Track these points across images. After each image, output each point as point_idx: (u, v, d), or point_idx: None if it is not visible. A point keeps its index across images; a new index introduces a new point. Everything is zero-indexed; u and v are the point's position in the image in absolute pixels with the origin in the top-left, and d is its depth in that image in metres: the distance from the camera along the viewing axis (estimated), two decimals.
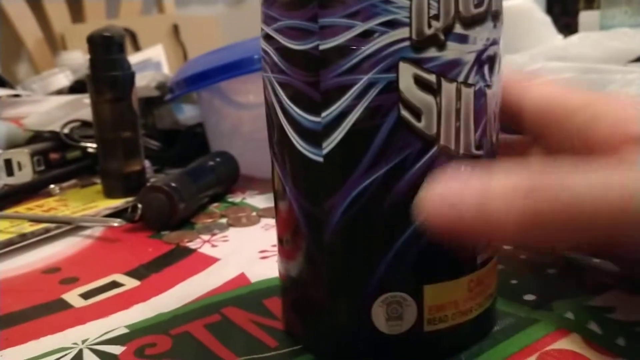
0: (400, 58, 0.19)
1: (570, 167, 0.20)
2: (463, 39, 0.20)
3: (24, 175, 0.50)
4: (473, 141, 0.21)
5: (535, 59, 0.52)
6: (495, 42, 0.21)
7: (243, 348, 0.24)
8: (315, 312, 0.23)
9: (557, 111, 0.24)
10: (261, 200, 0.45)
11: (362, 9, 0.19)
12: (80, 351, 0.25)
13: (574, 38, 0.59)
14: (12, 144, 0.59)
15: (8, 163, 0.50)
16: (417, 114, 0.20)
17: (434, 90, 0.20)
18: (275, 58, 0.21)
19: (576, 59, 0.53)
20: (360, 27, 0.19)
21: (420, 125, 0.20)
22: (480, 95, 0.21)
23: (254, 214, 0.42)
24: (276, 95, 0.22)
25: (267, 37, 0.22)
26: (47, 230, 0.40)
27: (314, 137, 0.21)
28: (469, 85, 0.20)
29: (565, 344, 0.23)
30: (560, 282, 0.27)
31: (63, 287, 0.32)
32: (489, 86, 0.21)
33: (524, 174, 0.20)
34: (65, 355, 0.25)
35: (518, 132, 0.26)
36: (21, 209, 0.46)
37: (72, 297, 0.31)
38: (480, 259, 0.23)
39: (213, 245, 0.36)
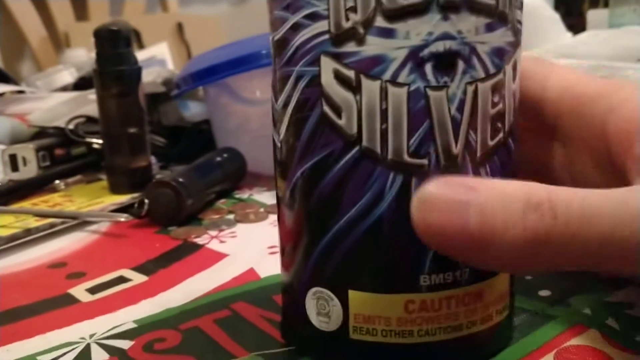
0: (321, 52, 0.19)
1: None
2: (388, 33, 0.18)
3: (29, 170, 0.50)
4: (406, 147, 0.19)
5: (543, 57, 0.51)
6: (449, 37, 0.18)
7: (253, 343, 0.24)
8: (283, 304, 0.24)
9: (576, 98, 0.24)
10: (269, 197, 0.44)
11: (292, 1, 0.19)
12: (88, 346, 0.25)
13: (583, 36, 0.58)
14: (16, 140, 0.58)
15: (13, 158, 0.50)
16: (337, 111, 0.19)
17: (353, 87, 0.19)
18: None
19: (585, 57, 0.52)
20: (291, 20, 0.20)
21: (341, 122, 0.19)
22: (418, 97, 0.19)
23: (262, 210, 0.41)
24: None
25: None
26: (52, 226, 0.39)
27: (275, 123, 0.22)
28: (398, 85, 0.19)
29: (583, 340, 0.23)
30: (576, 277, 0.27)
31: (70, 282, 0.31)
32: (440, 87, 0.19)
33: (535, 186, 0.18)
34: (73, 349, 0.24)
35: (538, 125, 0.25)
36: (26, 204, 0.45)
37: (79, 292, 0.30)
38: (427, 281, 0.20)
39: (221, 241, 0.36)
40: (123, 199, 0.45)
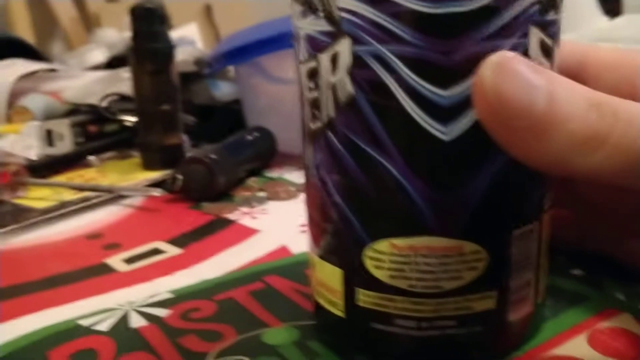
0: (531, 21, 0.18)
1: None
2: None
3: (64, 145, 0.51)
4: None
5: (579, 42, 0.51)
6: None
7: (288, 314, 0.24)
8: None
9: (616, 73, 0.23)
10: (299, 176, 0.45)
11: None
12: (127, 312, 0.25)
13: (619, 20, 0.57)
14: (50, 117, 0.59)
15: (49, 134, 0.51)
16: None
17: (551, 57, 0.19)
18: (392, 25, 0.18)
19: (621, 41, 0.51)
20: None
21: None
22: None
23: (293, 188, 0.42)
24: (392, 70, 0.18)
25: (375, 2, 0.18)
26: (87, 199, 0.40)
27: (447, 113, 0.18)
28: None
29: (616, 322, 0.23)
30: (609, 258, 0.27)
31: (106, 252, 0.32)
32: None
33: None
34: (113, 315, 0.25)
35: None
36: (62, 178, 0.46)
37: (116, 261, 0.31)
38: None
39: (253, 217, 0.37)
40: (156, 175, 0.46)
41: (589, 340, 0.22)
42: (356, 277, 0.20)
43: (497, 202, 0.19)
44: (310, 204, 0.22)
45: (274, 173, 0.46)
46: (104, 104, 0.56)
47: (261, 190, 0.42)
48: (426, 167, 0.18)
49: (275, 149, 0.48)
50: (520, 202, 0.20)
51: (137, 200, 0.41)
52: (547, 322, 0.23)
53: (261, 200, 0.40)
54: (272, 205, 0.39)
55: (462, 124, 0.18)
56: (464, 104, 0.18)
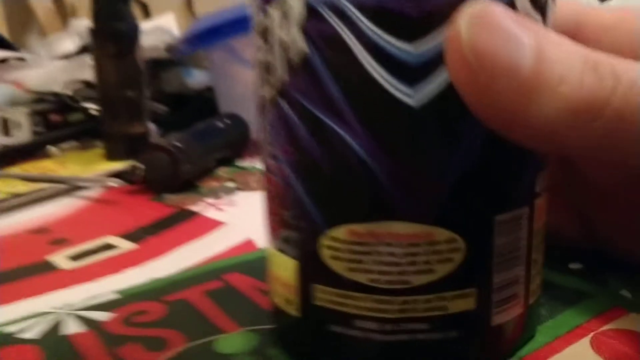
0: None
1: None
2: None
3: (21, 135, 0.47)
4: None
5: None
6: None
7: (247, 317, 0.21)
8: None
9: (632, 29, 0.20)
10: None
11: None
12: (62, 317, 0.22)
13: None
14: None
15: (5, 122, 0.47)
16: None
17: (544, 12, 0.16)
18: None
19: None
20: None
21: None
22: None
23: None
24: (350, 23, 0.15)
25: None
26: (41, 191, 0.37)
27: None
28: None
29: (623, 324, 0.20)
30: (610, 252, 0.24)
31: (51, 248, 0.29)
32: None
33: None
34: (45, 320, 0.22)
35: None
36: (16, 169, 0.43)
37: (60, 259, 0.28)
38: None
39: (218, 209, 0.33)
40: (119, 166, 0.42)
41: (594, 344, 0.19)
42: (312, 270, 0.17)
43: (476, 181, 0.16)
44: (266, 189, 0.19)
45: (246, 162, 0.43)
46: (68, 91, 0.52)
47: (231, 180, 0.39)
48: (391, 138, 0.15)
49: (248, 137, 0.44)
50: (505, 183, 0.16)
51: (95, 193, 0.37)
52: (543, 324, 0.20)
53: (230, 191, 0.36)
54: (241, 196, 0.36)
55: (433, 87, 0.15)
56: (435, 62, 0.15)
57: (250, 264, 0.26)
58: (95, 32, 0.42)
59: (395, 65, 0.15)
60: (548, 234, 0.19)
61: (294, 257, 0.18)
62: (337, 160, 0.16)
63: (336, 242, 0.16)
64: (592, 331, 0.19)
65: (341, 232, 0.16)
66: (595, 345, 0.19)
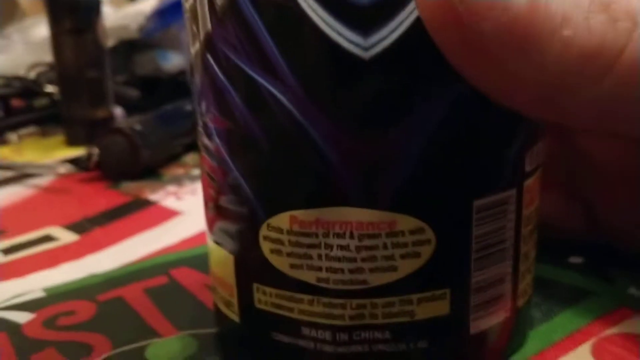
0: None
1: None
2: None
3: None
4: None
5: None
6: None
7: (187, 319, 0.18)
8: None
9: None
10: None
11: None
12: None
13: None
14: None
15: None
16: None
17: None
18: None
19: None
20: None
21: None
22: None
23: None
24: None
25: None
26: None
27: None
28: None
29: (630, 326, 0.17)
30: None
31: None
32: None
33: None
34: None
35: None
36: None
37: None
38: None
39: (178, 198, 0.30)
40: (80, 152, 0.39)
41: (595, 352, 0.16)
42: (251, 266, 0.14)
43: (448, 155, 0.13)
44: (201, 172, 0.16)
45: None
46: (32, 75, 0.49)
47: (198, 167, 0.35)
48: (338, 102, 0.12)
49: None
50: (485, 158, 0.13)
51: (46, 180, 0.34)
52: (537, 328, 0.17)
53: (194, 179, 0.33)
54: None
55: (390, 33, 0.12)
56: (393, 1, 0.11)
57: (202, 257, 0.22)
58: (50, 5, 0.39)
59: (340, 6, 0.11)
60: (543, 224, 0.16)
61: (231, 252, 0.14)
62: (274, 130, 0.13)
63: (277, 233, 0.13)
64: (594, 336, 0.16)
65: (283, 220, 0.13)
66: (597, 353, 0.16)
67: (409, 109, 0.12)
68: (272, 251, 0.13)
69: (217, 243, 0.15)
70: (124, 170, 0.33)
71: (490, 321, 0.14)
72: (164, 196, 0.30)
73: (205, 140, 0.14)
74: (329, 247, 0.13)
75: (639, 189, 0.18)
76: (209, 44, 0.13)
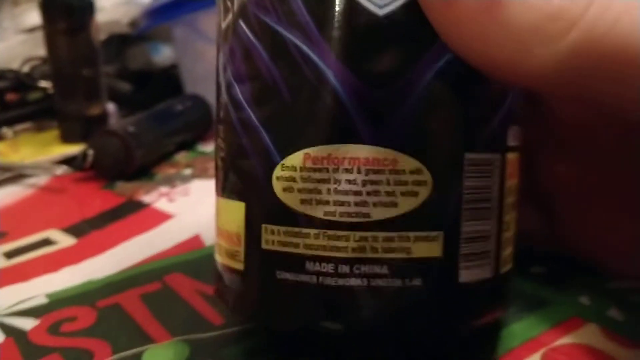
0: None
1: None
2: None
3: None
4: None
5: None
6: None
7: (181, 325, 0.20)
8: None
9: None
10: None
11: None
12: None
13: None
14: None
15: None
16: None
17: None
18: None
19: None
20: None
21: None
22: None
23: None
24: None
25: None
26: None
27: None
28: None
29: (579, 337, 0.18)
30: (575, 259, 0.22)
31: None
32: None
33: None
34: None
35: None
36: None
37: None
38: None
39: (170, 200, 0.32)
40: (74, 149, 0.40)
41: None
42: (261, 208, 0.16)
43: (444, 106, 0.15)
44: (217, 140, 0.18)
45: (208, 147, 0.41)
46: (25, 69, 0.50)
47: (189, 166, 0.37)
48: (356, 52, 0.14)
49: (210, 120, 0.42)
50: (475, 116, 0.15)
51: (43, 180, 0.35)
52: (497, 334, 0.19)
53: (186, 179, 0.35)
54: (196, 184, 0.34)
55: None
56: None
57: (194, 263, 0.24)
58: (45, 6, 0.40)
59: None
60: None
61: (241, 199, 0.16)
62: (297, 80, 0.15)
63: (290, 171, 0.15)
64: (545, 346, 0.18)
65: (297, 158, 0.15)
66: None
67: (413, 60, 0.14)
68: (285, 189, 0.15)
69: (227, 198, 0.17)
70: (118, 170, 0.34)
71: (476, 275, 0.16)
72: (157, 198, 0.32)
73: (229, 109, 0.16)
74: (338, 181, 0.14)
75: (598, 206, 0.20)
76: (242, 11, 0.15)
